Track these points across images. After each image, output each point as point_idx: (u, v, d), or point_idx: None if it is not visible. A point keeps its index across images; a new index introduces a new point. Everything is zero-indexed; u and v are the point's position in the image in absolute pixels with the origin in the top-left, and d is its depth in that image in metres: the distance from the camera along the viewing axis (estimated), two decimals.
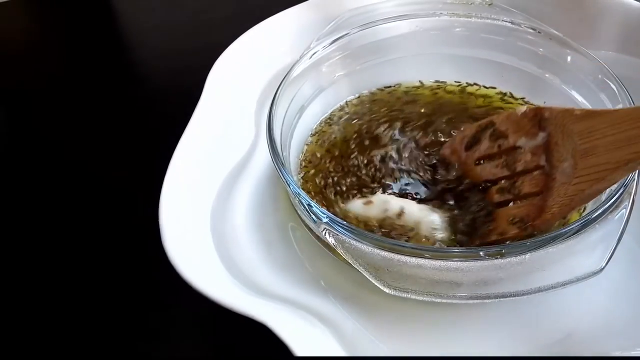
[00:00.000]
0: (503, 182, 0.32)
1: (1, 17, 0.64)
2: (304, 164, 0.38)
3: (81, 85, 0.54)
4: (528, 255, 0.26)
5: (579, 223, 0.27)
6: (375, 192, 0.34)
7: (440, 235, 0.31)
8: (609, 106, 0.34)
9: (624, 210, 0.27)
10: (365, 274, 0.28)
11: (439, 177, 0.35)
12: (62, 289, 0.36)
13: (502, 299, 0.27)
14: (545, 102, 0.38)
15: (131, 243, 0.38)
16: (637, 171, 0.29)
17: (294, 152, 0.38)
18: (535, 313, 0.30)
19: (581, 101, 0.36)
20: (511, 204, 0.31)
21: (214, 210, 0.34)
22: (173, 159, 0.34)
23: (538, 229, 0.29)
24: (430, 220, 0.31)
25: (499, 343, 0.29)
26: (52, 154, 0.47)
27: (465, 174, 0.34)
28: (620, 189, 0.28)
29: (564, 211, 0.29)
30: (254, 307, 0.27)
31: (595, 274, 0.26)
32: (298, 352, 0.25)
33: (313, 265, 0.33)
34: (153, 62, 0.57)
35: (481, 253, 0.26)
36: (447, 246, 0.31)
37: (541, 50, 0.39)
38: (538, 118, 0.31)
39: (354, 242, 0.27)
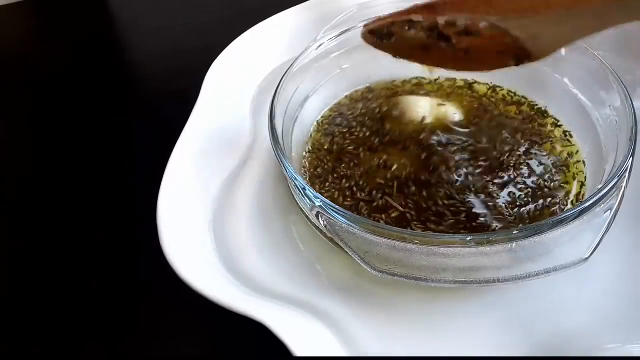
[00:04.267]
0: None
1: (0, 19, 0.65)
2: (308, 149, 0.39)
3: (79, 87, 0.54)
4: (515, 244, 0.27)
5: (567, 214, 0.27)
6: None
7: None
8: (607, 103, 0.34)
9: (613, 201, 0.28)
10: (353, 257, 0.28)
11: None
12: (59, 289, 0.37)
13: (488, 285, 0.28)
14: (545, 98, 0.39)
15: (129, 242, 0.39)
16: (628, 168, 0.29)
17: (296, 141, 0.38)
18: (532, 308, 0.31)
19: (581, 98, 0.37)
20: None
21: (212, 211, 0.34)
22: (171, 159, 0.34)
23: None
24: None
25: (498, 342, 0.30)
26: (51, 154, 0.47)
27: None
28: (613, 179, 0.28)
29: None
30: (253, 307, 0.27)
31: (580, 262, 0.27)
32: (297, 352, 0.25)
33: (314, 264, 0.33)
34: (150, 64, 0.58)
35: (468, 239, 0.27)
36: None
37: None
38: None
39: (345, 226, 0.28)
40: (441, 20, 0.29)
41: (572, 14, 0.25)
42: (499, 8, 0.27)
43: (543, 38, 0.27)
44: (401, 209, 0.33)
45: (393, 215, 0.33)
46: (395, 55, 0.34)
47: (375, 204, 0.34)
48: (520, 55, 0.28)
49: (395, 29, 0.31)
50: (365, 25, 0.33)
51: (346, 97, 0.42)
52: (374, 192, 0.34)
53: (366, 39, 0.34)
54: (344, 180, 0.36)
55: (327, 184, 0.36)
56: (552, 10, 0.25)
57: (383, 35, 0.32)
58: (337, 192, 0.35)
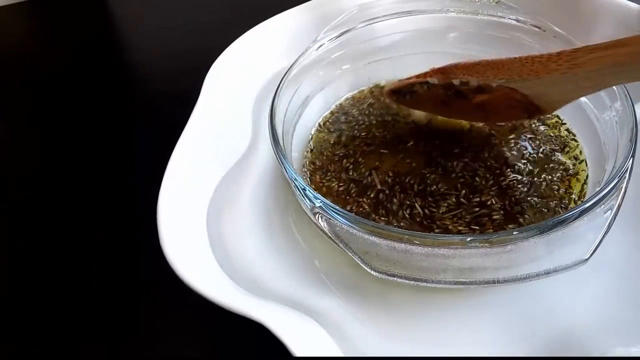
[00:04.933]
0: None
1: (0, 19, 0.65)
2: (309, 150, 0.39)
3: (79, 87, 0.54)
4: (515, 245, 0.27)
5: (567, 214, 0.27)
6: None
7: None
8: (608, 104, 0.34)
9: (614, 201, 0.28)
10: (353, 257, 0.28)
11: None
12: (60, 289, 0.37)
13: (488, 286, 0.28)
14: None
15: (129, 242, 0.39)
16: (628, 168, 0.29)
17: (297, 141, 0.39)
18: (532, 308, 0.31)
19: (581, 98, 0.37)
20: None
21: (211, 211, 0.34)
22: (171, 159, 0.34)
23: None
24: None
25: (498, 342, 0.30)
26: (50, 154, 0.48)
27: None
28: (613, 180, 0.28)
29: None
30: (252, 307, 0.27)
31: (580, 263, 0.27)
32: (297, 352, 0.25)
33: (314, 264, 0.33)
34: (150, 64, 0.58)
35: (468, 240, 0.27)
36: None
37: (545, 48, 0.39)
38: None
39: (345, 226, 0.28)
40: (455, 81, 0.31)
41: (568, 78, 0.27)
42: (505, 72, 0.30)
43: (548, 96, 0.30)
44: (379, 186, 0.34)
45: (372, 195, 0.34)
46: (417, 109, 0.37)
47: (364, 182, 0.35)
48: (531, 109, 0.31)
49: (415, 88, 0.34)
50: (388, 87, 0.37)
51: (348, 98, 0.42)
52: (364, 170, 0.36)
53: (389, 97, 0.37)
54: (345, 160, 0.37)
55: (329, 173, 0.37)
56: (551, 75, 0.28)
57: (405, 93, 0.35)
58: (335, 181, 0.36)
